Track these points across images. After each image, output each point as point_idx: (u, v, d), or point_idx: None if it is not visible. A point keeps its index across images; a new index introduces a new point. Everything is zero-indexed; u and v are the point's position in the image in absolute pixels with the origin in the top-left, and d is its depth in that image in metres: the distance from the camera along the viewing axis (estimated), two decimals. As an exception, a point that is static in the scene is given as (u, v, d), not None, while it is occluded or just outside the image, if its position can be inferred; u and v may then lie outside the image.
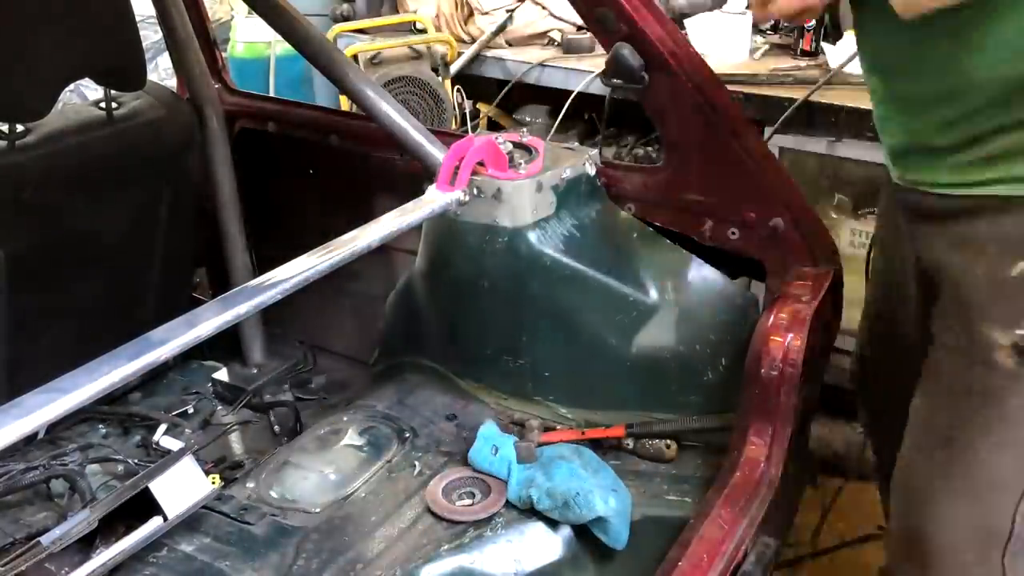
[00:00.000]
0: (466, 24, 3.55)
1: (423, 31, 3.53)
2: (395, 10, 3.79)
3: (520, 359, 1.66)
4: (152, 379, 2.00)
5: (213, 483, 1.53)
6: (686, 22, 2.87)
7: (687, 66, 1.48)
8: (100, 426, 1.85)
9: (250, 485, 1.58)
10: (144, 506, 1.41)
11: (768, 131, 2.39)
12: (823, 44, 2.68)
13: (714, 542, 1.30)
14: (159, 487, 1.42)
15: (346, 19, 3.64)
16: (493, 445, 1.53)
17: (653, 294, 1.61)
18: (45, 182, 1.69)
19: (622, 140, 3.19)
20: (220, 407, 1.93)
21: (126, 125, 1.78)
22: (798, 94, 2.38)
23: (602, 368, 1.62)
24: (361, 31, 3.51)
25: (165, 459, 1.49)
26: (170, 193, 1.92)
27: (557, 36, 3.41)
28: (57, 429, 1.78)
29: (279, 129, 2.06)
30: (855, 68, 2.43)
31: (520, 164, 1.58)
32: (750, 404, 1.44)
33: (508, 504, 1.45)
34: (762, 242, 1.53)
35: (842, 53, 2.49)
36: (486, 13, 3.48)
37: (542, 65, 3.23)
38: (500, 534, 1.41)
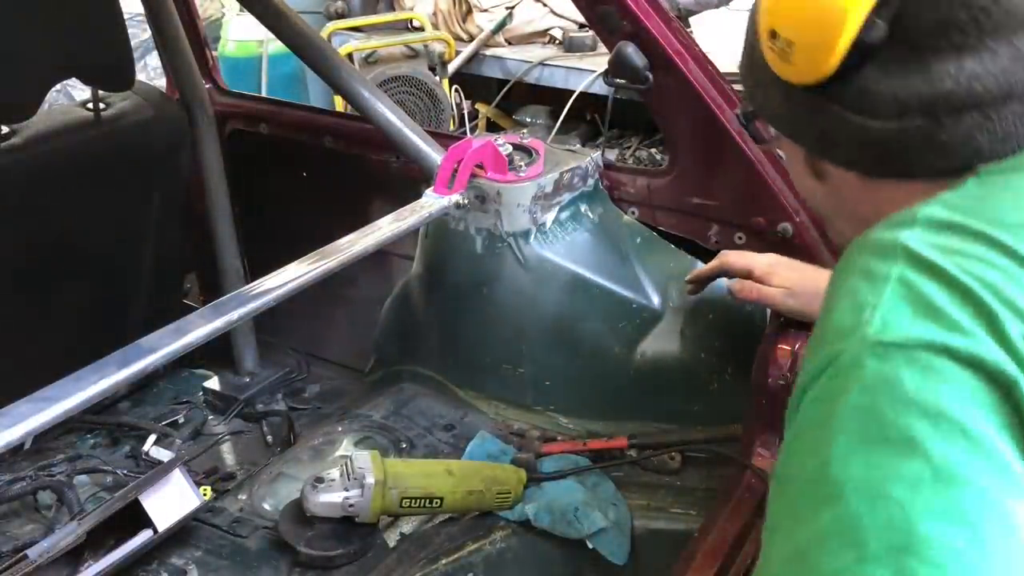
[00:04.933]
0: (464, 22, 3.52)
1: (420, 29, 3.50)
2: (391, 7, 3.76)
3: (520, 367, 1.63)
4: (141, 388, 1.97)
5: (204, 495, 1.51)
6: (692, 20, 2.85)
7: (693, 65, 1.46)
8: (88, 436, 1.82)
9: (242, 497, 1.57)
10: (134, 518, 1.39)
11: (775, 132, 2.36)
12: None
13: (719, 556, 1.28)
14: (149, 499, 1.40)
15: (340, 16, 3.61)
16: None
17: (657, 300, 1.58)
18: (31, 184, 1.66)
19: (625, 142, 3.18)
20: (211, 417, 1.91)
21: (114, 126, 1.75)
22: (805, 94, 2.34)
23: (604, 377, 1.59)
24: (356, 29, 3.49)
25: (155, 470, 1.47)
26: (159, 196, 1.89)
27: (558, 34, 3.38)
28: (44, 439, 1.75)
29: (271, 130, 2.03)
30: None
31: (520, 167, 1.56)
32: (756, 414, 1.41)
33: (506, 520, 1.43)
34: (770, 247, 1.50)
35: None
36: (485, 10, 3.45)
37: (543, 64, 3.21)
38: (499, 549, 1.39)
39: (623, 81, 1.48)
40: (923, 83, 0.70)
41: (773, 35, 0.77)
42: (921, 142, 0.73)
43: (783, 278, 1.31)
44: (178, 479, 1.44)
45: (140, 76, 1.84)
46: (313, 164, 2.04)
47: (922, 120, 0.71)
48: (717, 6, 2.97)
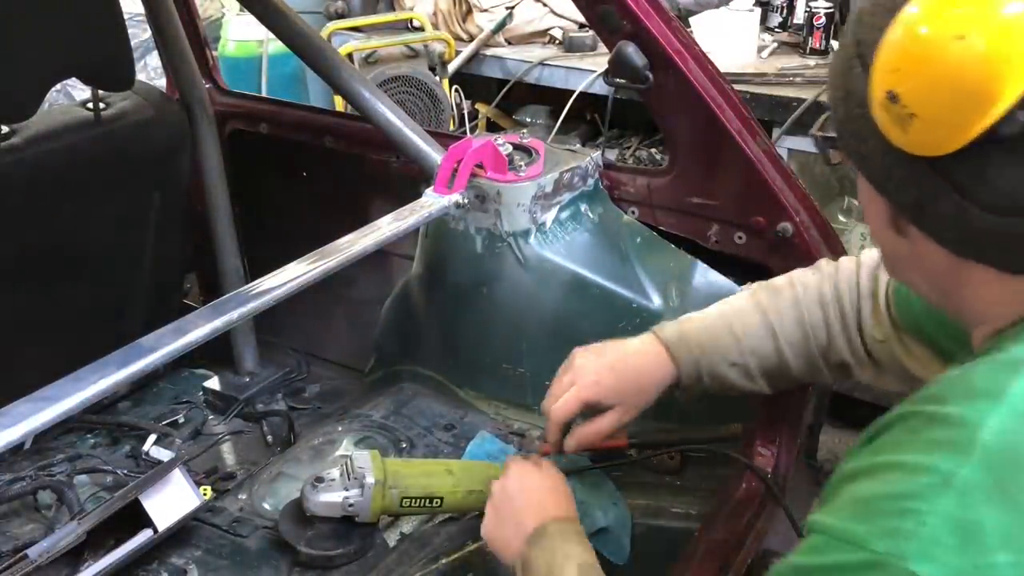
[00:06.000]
0: (464, 22, 3.51)
1: (420, 29, 3.50)
2: (391, 7, 3.76)
3: (520, 367, 1.63)
4: (141, 388, 1.96)
5: (204, 495, 1.51)
6: (692, 20, 2.85)
7: (693, 65, 1.45)
8: (88, 436, 1.81)
9: (242, 496, 1.57)
10: (134, 518, 1.38)
11: (776, 132, 2.37)
12: (833, 42, 2.65)
13: (719, 555, 1.28)
14: (149, 499, 1.39)
15: (341, 16, 3.60)
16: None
17: (657, 300, 1.57)
18: (31, 184, 1.66)
19: (625, 142, 3.17)
20: (211, 416, 1.89)
21: (114, 126, 1.74)
22: (807, 94, 2.35)
23: (605, 377, 1.59)
24: (356, 29, 3.48)
25: (155, 470, 1.47)
26: (160, 196, 1.88)
27: (558, 34, 3.38)
28: (44, 439, 1.74)
29: (272, 130, 2.03)
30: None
31: (520, 166, 1.56)
32: (757, 413, 1.41)
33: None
34: (769, 247, 1.50)
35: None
36: (485, 10, 3.44)
37: (543, 64, 3.20)
38: (500, 548, 1.38)
39: (623, 81, 1.48)
40: None
41: (892, 97, 0.70)
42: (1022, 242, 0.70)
43: (612, 392, 1.21)
44: (178, 479, 1.44)
45: (140, 76, 1.84)
46: (313, 164, 2.04)
47: None
48: (717, 6, 2.97)
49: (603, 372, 1.22)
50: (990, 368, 0.70)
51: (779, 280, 1.24)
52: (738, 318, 1.22)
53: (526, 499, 1.13)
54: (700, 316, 1.25)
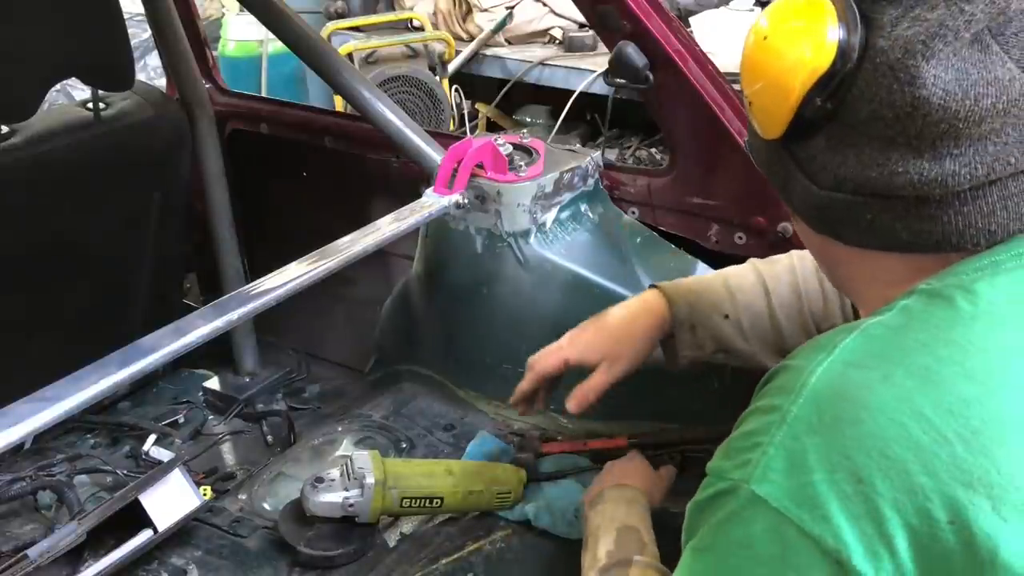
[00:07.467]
0: (464, 21, 3.52)
1: (420, 29, 3.50)
2: (391, 7, 3.77)
3: (520, 367, 1.61)
4: (141, 388, 1.96)
5: (204, 495, 1.51)
6: (692, 20, 2.85)
7: (693, 65, 1.45)
8: (88, 436, 1.81)
9: (242, 497, 1.56)
10: (134, 518, 1.38)
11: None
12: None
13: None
14: (149, 499, 1.39)
15: (340, 16, 3.61)
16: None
17: (657, 300, 1.57)
18: (31, 184, 1.66)
19: (625, 142, 3.18)
20: (211, 417, 1.89)
21: (114, 126, 1.74)
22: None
23: (605, 377, 1.59)
24: (356, 29, 3.49)
25: (155, 470, 1.47)
26: (160, 196, 1.88)
27: (558, 34, 3.38)
28: (44, 439, 1.74)
29: (272, 130, 2.03)
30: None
31: (520, 166, 1.56)
32: (757, 414, 1.41)
33: (506, 520, 1.42)
34: (770, 247, 1.50)
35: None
36: (485, 10, 3.45)
37: (543, 64, 3.21)
38: (499, 549, 1.38)
39: (623, 81, 1.48)
40: (856, 164, 0.76)
41: (741, 92, 0.84)
42: (849, 216, 0.78)
43: (595, 350, 1.27)
44: (178, 479, 1.44)
45: (140, 76, 1.84)
46: (313, 164, 2.04)
47: (852, 196, 0.77)
48: (717, 6, 2.97)
49: (589, 329, 1.29)
50: (836, 330, 0.78)
51: (777, 255, 1.31)
52: (734, 277, 1.28)
53: (615, 472, 1.27)
54: (698, 275, 1.33)
